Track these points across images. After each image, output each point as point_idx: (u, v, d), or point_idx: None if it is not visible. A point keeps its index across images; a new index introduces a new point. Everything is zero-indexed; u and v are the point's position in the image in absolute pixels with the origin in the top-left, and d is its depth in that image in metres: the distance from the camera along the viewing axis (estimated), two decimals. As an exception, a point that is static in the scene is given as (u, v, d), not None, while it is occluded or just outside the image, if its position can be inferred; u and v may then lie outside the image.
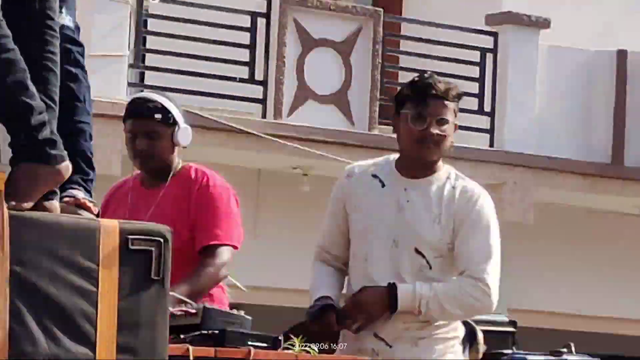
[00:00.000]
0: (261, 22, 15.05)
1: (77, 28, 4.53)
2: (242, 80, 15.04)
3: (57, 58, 3.54)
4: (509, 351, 7.04)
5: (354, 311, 5.32)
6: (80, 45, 4.49)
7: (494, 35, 15.96)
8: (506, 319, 7.49)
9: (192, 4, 15.50)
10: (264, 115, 15.33)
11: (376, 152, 12.61)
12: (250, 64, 14.96)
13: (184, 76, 14.99)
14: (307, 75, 15.03)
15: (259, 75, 14.97)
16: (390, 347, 5.36)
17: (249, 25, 15.07)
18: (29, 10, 3.58)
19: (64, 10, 4.17)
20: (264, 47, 15.11)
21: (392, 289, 5.21)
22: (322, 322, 5.24)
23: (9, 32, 3.17)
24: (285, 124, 14.80)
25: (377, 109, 15.18)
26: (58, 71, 3.53)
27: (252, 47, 15.04)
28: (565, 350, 7.15)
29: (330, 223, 5.80)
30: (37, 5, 3.53)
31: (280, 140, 14.48)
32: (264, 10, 15.11)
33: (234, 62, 15.21)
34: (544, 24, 15.80)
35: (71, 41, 4.29)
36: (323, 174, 14.02)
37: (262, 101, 15.03)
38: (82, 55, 4.48)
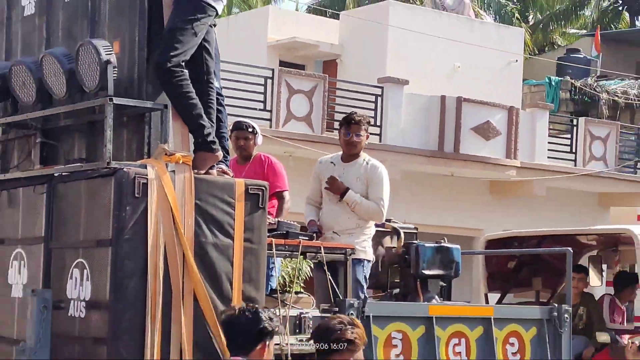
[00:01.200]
0: (269, 80, 19.92)
1: (220, 88, 7.00)
2: (260, 110, 20.00)
3: (214, 101, 6.61)
4: (416, 242, 8.59)
5: (333, 188, 8.13)
6: (222, 96, 7.01)
7: (382, 88, 19.89)
8: (412, 226, 9.34)
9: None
10: (270, 126, 19.94)
11: (324, 145, 18.34)
12: (264, 100, 19.87)
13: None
14: (291, 107, 20.05)
15: (268, 106, 19.96)
16: (339, 236, 8.02)
17: (263, 82, 19.87)
18: (200, 76, 6.52)
19: (214, 78, 6.79)
20: (270, 92, 19.88)
21: (347, 189, 8.00)
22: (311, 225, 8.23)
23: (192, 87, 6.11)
24: (281, 130, 19.69)
25: (325, 124, 20.18)
26: (215, 108, 6.61)
27: (265, 92, 19.84)
28: (442, 240, 8.67)
29: (313, 186, 8.69)
30: (204, 75, 6.59)
31: (278, 138, 19.20)
32: (270, 75, 20.08)
33: (255, 100, 19.99)
34: (405, 82, 19.67)
35: (219, 94, 6.82)
36: (300, 156, 18.96)
37: (269, 119, 19.94)
38: (223, 101, 7.01)
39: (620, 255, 10.18)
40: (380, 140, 20.05)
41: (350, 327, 5.29)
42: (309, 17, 23.60)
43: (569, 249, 8.82)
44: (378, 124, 19.87)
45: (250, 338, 5.30)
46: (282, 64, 21.60)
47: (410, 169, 19.87)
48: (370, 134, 15.98)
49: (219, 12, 6.58)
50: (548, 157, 19.20)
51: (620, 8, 31.15)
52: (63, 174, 6.27)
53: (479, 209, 20.25)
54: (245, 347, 5.30)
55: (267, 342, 5.42)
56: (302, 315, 6.96)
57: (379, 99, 19.62)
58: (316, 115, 19.94)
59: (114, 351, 5.54)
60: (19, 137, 7.05)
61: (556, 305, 8.27)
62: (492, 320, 7.74)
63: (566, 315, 8.06)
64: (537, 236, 10.64)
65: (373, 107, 19.59)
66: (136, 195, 5.64)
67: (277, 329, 5.64)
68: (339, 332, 5.36)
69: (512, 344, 7.70)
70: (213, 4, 6.32)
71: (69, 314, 5.91)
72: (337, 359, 5.46)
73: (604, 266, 10.54)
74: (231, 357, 5.41)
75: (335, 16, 22.96)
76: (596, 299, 10.22)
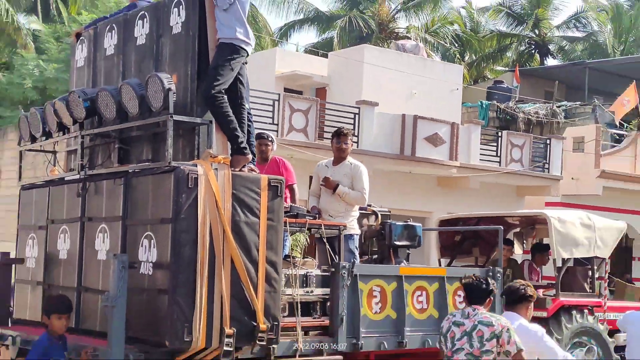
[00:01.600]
0: (276, 102, 19.14)
1: (249, 108, 6.88)
2: (269, 123, 18.66)
3: (245, 118, 6.58)
4: (389, 221, 8.49)
5: (327, 185, 7.94)
6: (250, 114, 6.90)
7: (359, 108, 19.28)
8: (386, 210, 9.24)
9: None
10: (277, 136, 17.40)
11: (316, 149, 18.10)
12: (273, 117, 18.96)
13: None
14: (292, 121, 19.25)
15: (275, 121, 19.04)
16: (334, 218, 7.88)
17: (272, 103, 19.02)
18: (235, 100, 6.45)
19: (245, 101, 6.72)
20: (277, 110, 19.07)
21: (337, 185, 7.87)
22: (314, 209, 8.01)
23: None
24: (285, 138, 18.59)
25: (317, 135, 19.26)
26: (246, 123, 6.59)
27: (273, 110, 19.00)
28: (408, 220, 8.66)
29: (314, 182, 8.51)
30: (238, 99, 6.51)
31: (282, 144, 17.33)
32: (277, 98, 19.16)
33: (266, 116, 18.80)
34: (376, 104, 18.98)
35: (248, 113, 6.72)
36: (298, 157, 17.61)
37: (276, 130, 18.50)
38: (251, 118, 6.91)
39: (536, 232, 10.24)
40: (357, 147, 19.05)
41: (528, 287, 6.22)
42: (306, 56, 23.54)
43: (500, 227, 8.81)
44: (356, 134, 19.04)
45: (484, 294, 5.90)
46: (286, 90, 21.47)
47: (380, 168, 19.34)
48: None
49: (249, 53, 6.53)
50: (480, 160, 18.90)
51: (533, 51, 31.50)
52: (135, 170, 6.31)
53: (429, 197, 19.74)
54: (480, 300, 5.84)
55: (492, 298, 6.14)
56: (307, 274, 6.95)
57: (357, 116, 19.11)
58: (311, 127, 19.45)
59: (173, 299, 5.58)
60: (102, 143, 7.05)
61: (491, 267, 8.36)
62: (445, 278, 7.79)
63: (498, 275, 8.06)
64: (476, 217, 10.56)
65: (352, 122, 18.99)
66: (189, 186, 5.69)
67: (495, 290, 6.28)
68: (522, 290, 6.19)
69: (459, 295, 7.66)
70: (245, 47, 6.35)
71: (140, 272, 5.92)
72: (523, 306, 6.20)
73: (524, 239, 10.53)
74: (473, 305, 5.87)
75: (325, 55, 22.60)
76: (519, 263, 10.23)
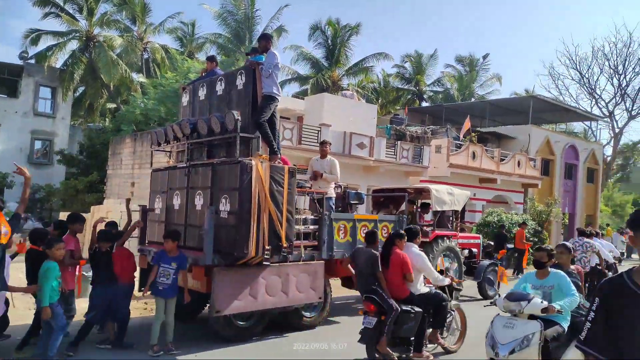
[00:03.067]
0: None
1: (278, 128, 6.50)
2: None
3: (276, 133, 6.37)
4: (348, 190, 8.10)
5: (316, 174, 7.36)
6: (277, 130, 6.44)
7: (321, 128, 17.62)
8: (345, 184, 8.74)
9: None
10: None
11: (298, 151, 15.86)
12: None
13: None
14: (284, 134, 17.15)
15: None
16: (321, 188, 7.32)
17: None
18: (271, 123, 6.24)
19: (276, 124, 6.44)
20: None
21: (322, 174, 7.38)
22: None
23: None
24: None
25: (298, 142, 16.86)
26: (277, 136, 6.42)
27: None
28: (358, 190, 8.55)
29: (309, 169, 7.74)
30: (273, 123, 6.27)
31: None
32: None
33: None
34: (330, 125, 17.20)
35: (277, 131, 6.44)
36: (288, 154, 15.89)
37: None
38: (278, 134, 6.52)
39: (422, 196, 10.02)
40: None
41: (417, 228, 5.89)
42: (292, 99, 22.97)
43: (405, 193, 8.89)
44: (319, 142, 19.32)
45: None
46: (281, 117, 19.66)
47: None
48: (316, 145, 15.58)
49: (279, 100, 6.45)
50: (385, 156, 18.18)
51: (415, 98, 31.92)
52: (218, 162, 6.28)
53: (359, 177, 17.02)
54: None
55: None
56: (306, 218, 6.92)
57: (319, 132, 16.78)
58: (294, 138, 16.53)
59: (238, 230, 5.65)
60: (197, 147, 6.97)
61: (400, 215, 8.15)
62: (377, 220, 7.69)
63: (403, 218, 8.04)
64: (391, 188, 10.11)
65: (316, 135, 16.89)
66: (247, 171, 5.75)
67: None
68: (415, 229, 5.85)
69: (385, 229, 7.68)
70: (277, 97, 6.39)
71: (220, 216, 5.90)
72: (415, 238, 5.75)
73: (416, 200, 10.04)
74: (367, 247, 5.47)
75: (302, 98, 22.11)
76: (414, 213, 9.70)
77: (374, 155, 18.57)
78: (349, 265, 5.94)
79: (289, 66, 27.06)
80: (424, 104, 31.37)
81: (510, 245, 13.96)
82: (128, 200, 7.06)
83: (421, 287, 5.44)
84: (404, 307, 5.04)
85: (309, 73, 27.59)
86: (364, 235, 7.25)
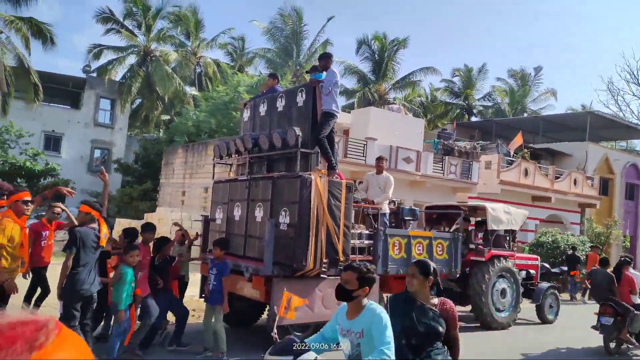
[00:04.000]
0: None
1: (336, 143, 6.52)
2: None
3: (334, 148, 6.60)
4: (401, 206, 7.65)
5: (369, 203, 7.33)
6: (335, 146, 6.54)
7: (367, 141, 16.96)
8: (399, 200, 8.26)
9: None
10: None
11: (343, 163, 16.28)
12: None
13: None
14: None
15: None
16: (375, 204, 7.47)
17: None
18: (330, 139, 6.43)
19: (334, 139, 6.63)
20: None
21: (373, 201, 7.72)
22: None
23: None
24: None
25: (344, 154, 16.17)
26: (335, 151, 6.55)
27: None
28: (413, 206, 7.93)
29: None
30: (332, 138, 6.57)
31: None
32: None
33: None
34: (376, 139, 17.03)
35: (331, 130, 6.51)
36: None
37: None
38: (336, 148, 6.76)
39: (477, 214, 9.76)
40: (365, 162, 17.06)
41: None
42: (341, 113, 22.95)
43: (461, 211, 8.76)
44: (364, 155, 17.45)
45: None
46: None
47: None
48: (361, 158, 16.09)
49: (337, 114, 6.58)
50: (432, 171, 17.92)
51: (464, 112, 31.34)
52: (278, 176, 6.48)
53: (405, 192, 18.12)
54: None
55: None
56: (361, 233, 7.01)
57: (365, 145, 17.20)
58: (340, 151, 16.80)
59: (297, 243, 5.84)
60: (258, 161, 7.23)
61: (455, 233, 8.08)
62: (432, 237, 7.66)
63: (458, 236, 7.99)
64: (444, 205, 9.98)
65: (362, 149, 17.24)
66: (307, 185, 5.93)
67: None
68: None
69: (440, 247, 7.69)
70: (336, 114, 6.56)
71: (280, 228, 6.10)
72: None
73: (471, 218, 9.85)
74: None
75: (349, 112, 21.56)
76: (469, 231, 9.52)
77: (421, 170, 18.38)
78: (586, 281, 7.79)
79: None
80: (473, 119, 30.91)
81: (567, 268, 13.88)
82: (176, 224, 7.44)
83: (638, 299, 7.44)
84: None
85: (355, 87, 27.83)
86: (418, 251, 7.30)
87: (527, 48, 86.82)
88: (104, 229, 4.74)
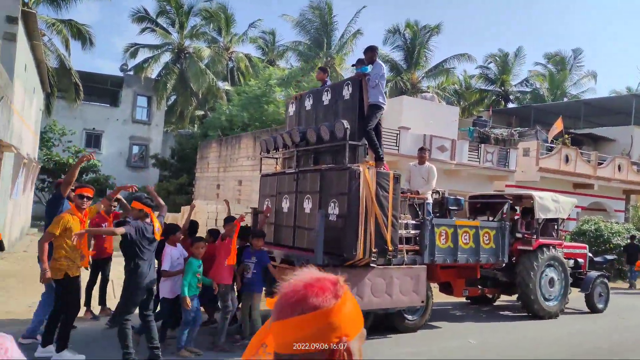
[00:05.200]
0: None
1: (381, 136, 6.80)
2: None
3: (381, 139, 6.63)
4: (446, 195, 7.52)
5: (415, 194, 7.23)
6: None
7: (400, 131, 17.04)
8: (443, 190, 7.78)
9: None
10: None
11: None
12: None
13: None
14: None
15: None
16: (420, 194, 7.49)
17: None
18: (377, 131, 6.54)
19: (381, 131, 6.64)
20: None
21: (417, 191, 7.62)
22: None
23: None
24: None
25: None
26: (381, 143, 6.61)
27: None
28: (457, 195, 7.61)
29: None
30: (380, 131, 6.55)
31: None
32: None
33: None
34: (409, 128, 16.89)
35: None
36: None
37: None
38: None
39: (522, 203, 9.63)
40: (398, 151, 17.06)
41: None
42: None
43: (506, 199, 8.58)
44: (397, 145, 17.26)
45: None
46: None
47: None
48: (394, 148, 15.93)
49: (384, 107, 6.68)
50: (468, 160, 17.49)
51: (500, 99, 30.64)
52: (326, 168, 6.63)
53: (440, 181, 18.80)
54: None
55: None
56: (407, 222, 7.03)
57: (398, 135, 16.70)
58: None
59: (347, 233, 5.97)
60: (304, 154, 7.40)
61: (502, 222, 7.97)
62: (479, 227, 7.65)
63: (505, 225, 7.89)
64: (489, 194, 10.23)
65: (395, 139, 16.86)
66: (356, 177, 6.06)
67: None
68: None
69: (487, 236, 7.67)
70: (382, 106, 6.65)
71: (329, 219, 6.25)
72: None
73: (516, 207, 9.61)
74: None
75: None
76: (515, 220, 9.23)
77: (456, 159, 18.09)
78: None
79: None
80: (510, 106, 30.13)
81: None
82: (227, 202, 7.62)
83: None
84: None
85: (387, 76, 27.56)
86: (464, 241, 7.35)
87: (564, 30, 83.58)
88: (157, 224, 4.97)
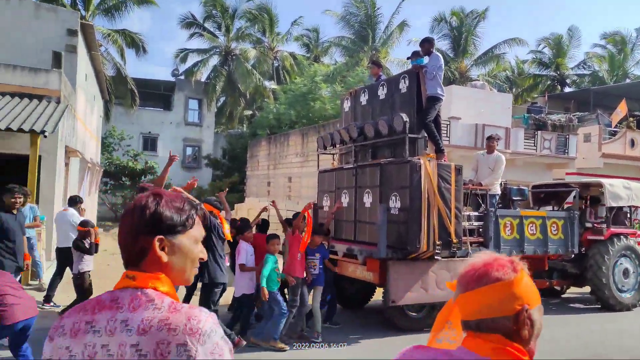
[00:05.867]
0: None
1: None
2: None
3: (441, 132, 6.43)
4: (508, 185, 7.19)
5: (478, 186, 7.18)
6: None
7: (450, 121, 18.42)
8: (505, 180, 7.56)
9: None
10: None
11: None
12: None
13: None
14: None
15: None
16: (484, 185, 7.38)
17: None
18: (437, 122, 6.44)
19: (440, 123, 6.60)
20: None
21: (480, 183, 6.89)
22: None
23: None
24: None
25: None
26: (441, 135, 6.48)
27: None
28: (519, 185, 7.58)
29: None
30: (439, 122, 6.48)
31: None
32: None
33: None
34: (459, 118, 16.55)
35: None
36: None
37: None
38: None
39: (589, 191, 9.24)
40: (449, 142, 16.35)
41: None
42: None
43: (577, 188, 8.41)
44: (448, 135, 16.58)
45: None
46: None
47: (463, 154, 16.23)
48: (445, 139, 15.29)
49: (443, 98, 6.64)
50: (524, 148, 17.05)
51: (556, 83, 29.29)
52: (385, 162, 6.67)
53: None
54: None
55: None
56: (470, 214, 7.00)
57: (448, 125, 16.39)
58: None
59: (410, 226, 6.01)
60: (362, 149, 7.46)
61: (570, 211, 7.75)
62: (546, 217, 7.45)
63: (574, 214, 7.68)
64: (554, 183, 9.77)
65: (446, 129, 16.22)
66: (417, 170, 6.07)
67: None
68: None
69: (555, 226, 7.46)
70: (441, 97, 6.62)
71: (391, 212, 6.29)
72: None
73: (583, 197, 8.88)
74: None
75: None
76: (584, 209, 8.78)
77: (510, 148, 17.48)
78: None
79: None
80: (567, 90, 28.79)
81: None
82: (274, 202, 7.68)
83: None
84: None
85: (437, 66, 27.00)
86: (531, 232, 7.16)
87: (623, 6, 78.46)
88: (226, 225, 5.18)
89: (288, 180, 20.59)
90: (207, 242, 5.05)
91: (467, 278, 0.99)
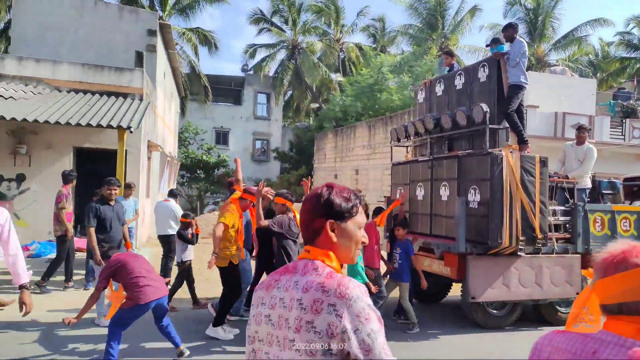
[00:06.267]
0: None
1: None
2: None
3: (524, 122, 6.15)
4: (597, 178, 6.59)
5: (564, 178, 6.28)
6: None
7: (527, 110, 20.25)
8: (593, 173, 7.40)
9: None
10: None
11: None
12: None
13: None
14: None
15: None
16: (571, 177, 6.87)
17: None
18: (519, 112, 6.12)
19: (523, 113, 6.26)
20: None
21: (566, 176, 6.91)
22: None
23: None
24: None
25: None
26: (525, 126, 6.18)
27: None
28: (611, 178, 7.31)
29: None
30: (522, 112, 6.09)
31: None
32: None
33: None
34: (537, 106, 15.96)
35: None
36: None
37: None
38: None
39: None
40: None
41: None
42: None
43: None
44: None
45: None
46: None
47: (541, 144, 16.54)
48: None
49: (526, 86, 6.31)
50: (610, 137, 16.15)
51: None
52: (463, 154, 6.46)
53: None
54: None
55: None
56: (555, 209, 6.59)
57: (526, 115, 17.28)
58: None
59: (491, 220, 5.79)
60: (437, 141, 7.32)
61: None
62: None
63: None
64: None
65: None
66: (498, 162, 5.84)
67: None
68: None
69: None
70: (525, 85, 6.31)
71: (470, 206, 6.10)
72: None
73: None
74: None
75: None
76: None
77: (595, 137, 16.24)
78: None
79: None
80: (661, 73, 26.27)
81: None
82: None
83: None
84: None
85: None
86: (624, 228, 6.68)
87: None
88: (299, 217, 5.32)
89: (355, 172, 20.63)
90: (279, 243, 5.15)
91: (605, 264, 1.05)
